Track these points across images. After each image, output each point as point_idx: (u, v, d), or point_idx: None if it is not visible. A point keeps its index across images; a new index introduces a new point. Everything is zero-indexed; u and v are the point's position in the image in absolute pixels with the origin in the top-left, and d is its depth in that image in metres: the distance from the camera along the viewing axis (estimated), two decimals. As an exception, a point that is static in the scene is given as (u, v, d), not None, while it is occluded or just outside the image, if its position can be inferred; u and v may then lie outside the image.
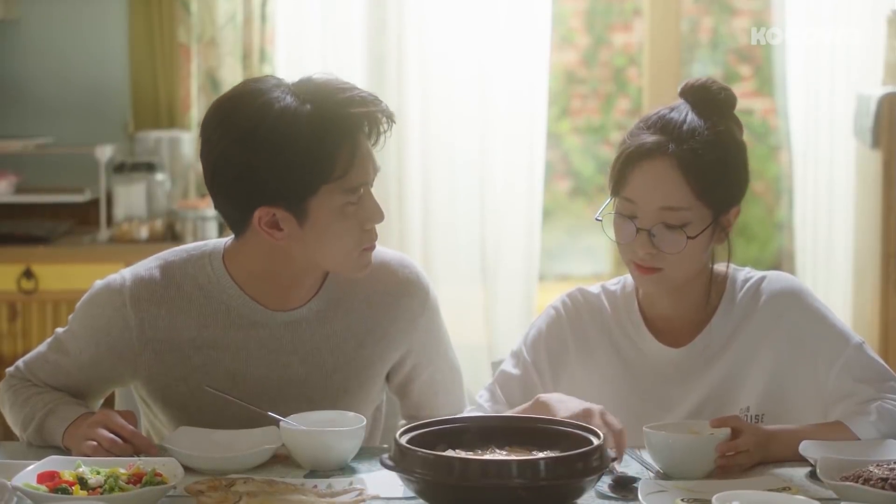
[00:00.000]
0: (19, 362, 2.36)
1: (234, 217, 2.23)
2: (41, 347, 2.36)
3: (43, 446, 2.25)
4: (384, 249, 2.39)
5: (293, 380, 2.30)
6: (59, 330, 2.35)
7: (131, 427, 2.16)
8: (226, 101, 2.21)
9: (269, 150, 2.13)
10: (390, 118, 2.19)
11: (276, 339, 2.29)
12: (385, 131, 2.20)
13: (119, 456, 2.09)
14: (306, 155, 2.13)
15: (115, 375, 2.32)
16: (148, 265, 2.31)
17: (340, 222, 2.19)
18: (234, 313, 2.28)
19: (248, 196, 2.17)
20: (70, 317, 2.35)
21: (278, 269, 2.25)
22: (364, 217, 2.21)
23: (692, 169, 2.19)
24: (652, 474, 2.07)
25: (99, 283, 2.32)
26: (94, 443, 2.12)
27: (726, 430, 2.07)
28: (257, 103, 2.15)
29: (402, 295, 2.36)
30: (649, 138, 2.22)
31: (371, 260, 2.25)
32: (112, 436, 2.13)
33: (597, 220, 2.28)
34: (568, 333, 2.35)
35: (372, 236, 2.23)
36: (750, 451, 2.08)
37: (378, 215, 2.22)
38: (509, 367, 2.36)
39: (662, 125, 2.22)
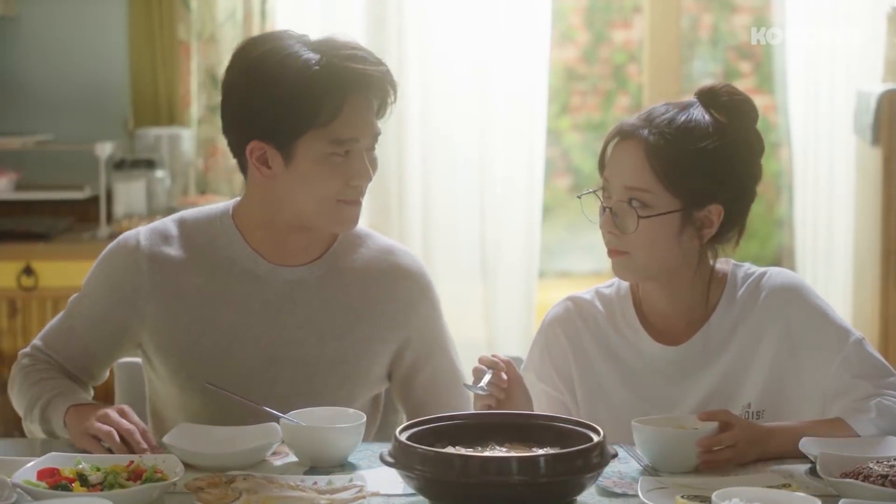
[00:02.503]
0: (35, 340, 2.42)
1: (236, 149, 2.33)
2: (53, 321, 2.43)
3: (45, 431, 2.28)
4: (393, 241, 2.49)
5: (290, 341, 2.34)
6: (71, 298, 2.42)
7: (144, 426, 2.16)
8: (249, 40, 2.34)
9: (264, 85, 2.24)
10: (391, 82, 2.27)
11: (276, 297, 2.35)
12: (392, 102, 2.29)
13: (126, 450, 2.10)
14: (294, 96, 2.23)
15: (125, 329, 2.36)
16: (163, 220, 2.43)
17: (323, 168, 2.26)
18: (237, 266, 2.35)
19: (245, 127, 2.28)
20: (83, 281, 2.41)
21: (273, 215, 2.33)
22: (351, 172, 2.27)
23: (657, 153, 2.20)
24: (641, 467, 2.08)
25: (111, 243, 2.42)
26: (108, 427, 2.13)
27: (713, 425, 2.07)
28: (270, 45, 2.28)
29: (401, 278, 2.41)
30: (630, 122, 2.25)
31: (355, 216, 2.32)
32: (130, 426, 2.14)
33: (577, 197, 2.31)
34: (566, 345, 2.35)
35: (355, 192, 2.29)
36: (737, 447, 2.08)
37: (364, 173, 2.28)
38: (541, 394, 2.35)
39: (647, 114, 2.26)
